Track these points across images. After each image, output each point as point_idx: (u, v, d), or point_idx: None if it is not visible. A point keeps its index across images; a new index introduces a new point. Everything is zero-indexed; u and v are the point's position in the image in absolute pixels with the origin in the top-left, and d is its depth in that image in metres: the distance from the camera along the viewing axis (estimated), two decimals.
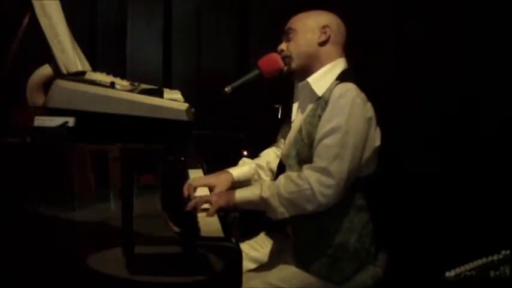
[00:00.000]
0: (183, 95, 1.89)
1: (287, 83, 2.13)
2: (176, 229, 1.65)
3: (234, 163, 2.21)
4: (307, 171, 1.83)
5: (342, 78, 1.93)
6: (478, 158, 2.93)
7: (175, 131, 1.73)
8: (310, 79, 1.97)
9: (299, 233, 1.94)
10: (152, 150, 1.73)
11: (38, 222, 1.61)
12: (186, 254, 1.63)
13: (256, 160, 2.22)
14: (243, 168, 2.17)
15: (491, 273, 1.43)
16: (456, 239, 2.84)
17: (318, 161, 1.84)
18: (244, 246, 2.07)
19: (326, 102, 1.88)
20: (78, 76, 1.80)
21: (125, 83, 1.84)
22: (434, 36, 2.99)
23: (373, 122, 1.92)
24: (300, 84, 2.01)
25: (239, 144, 2.86)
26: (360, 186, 1.93)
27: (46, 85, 1.75)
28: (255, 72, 2.03)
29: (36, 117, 1.64)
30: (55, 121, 1.63)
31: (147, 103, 1.70)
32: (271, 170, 2.18)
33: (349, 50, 2.03)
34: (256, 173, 2.18)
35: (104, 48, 3.24)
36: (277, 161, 2.16)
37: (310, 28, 1.98)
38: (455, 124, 2.99)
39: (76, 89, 1.69)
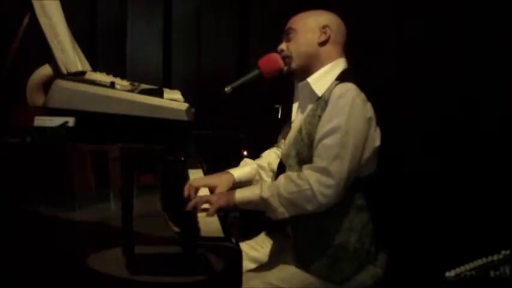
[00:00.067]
0: (183, 95, 1.89)
1: (287, 83, 2.13)
2: (176, 229, 1.65)
3: (234, 163, 2.21)
4: (307, 172, 1.83)
5: (342, 78, 1.92)
6: (478, 158, 2.93)
7: (175, 131, 1.73)
8: (310, 79, 1.97)
9: (299, 233, 1.94)
10: (152, 150, 1.72)
11: (38, 222, 1.61)
12: (186, 254, 1.63)
13: (258, 161, 2.22)
14: (244, 168, 2.17)
15: (491, 273, 1.43)
16: (456, 239, 2.84)
17: (317, 161, 1.84)
18: (244, 246, 2.07)
19: (326, 103, 1.88)
20: (78, 76, 1.80)
21: (125, 83, 1.84)
22: (434, 36, 2.99)
23: (373, 122, 1.92)
24: (300, 84, 2.01)
25: (239, 144, 2.86)
26: (360, 186, 1.93)
27: (46, 85, 1.75)
28: (255, 72, 2.03)
29: (36, 117, 1.64)
30: (55, 121, 1.63)
31: (147, 103, 1.70)
32: (272, 170, 2.18)
33: (349, 50, 2.03)
34: (257, 173, 2.18)
35: (104, 48, 3.24)
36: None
37: (310, 28, 1.98)
38: (455, 124, 2.99)
39: (76, 89, 1.69)
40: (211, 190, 2.07)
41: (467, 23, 2.94)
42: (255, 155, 2.28)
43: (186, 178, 2.22)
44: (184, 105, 1.75)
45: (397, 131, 2.67)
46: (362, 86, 1.89)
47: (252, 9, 3.24)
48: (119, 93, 1.71)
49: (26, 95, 1.77)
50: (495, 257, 1.45)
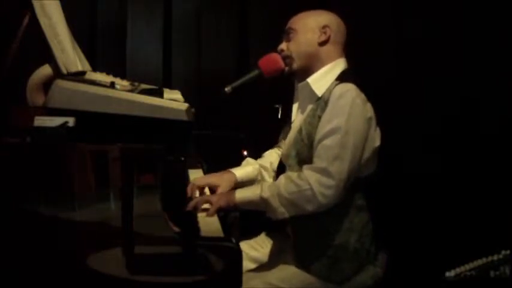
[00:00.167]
0: (183, 95, 1.89)
1: (287, 83, 2.13)
2: (176, 229, 1.65)
3: (234, 163, 2.21)
4: (307, 172, 1.83)
5: (341, 78, 1.92)
6: (478, 158, 2.93)
7: (175, 131, 1.73)
8: (310, 79, 1.97)
9: (299, 233, 1.94)
10: (152, 150, 1.72)
11: (38, 222, 1.61)
12: (186, 254, 1.63)
13: (260, 161, 2.22)
14: (246, 168, 2.17)
15: (491, 273, 1.43)
16: (456, 239, 2.84)
17: (318, 162, 1.84)
18: (244, 246, 2.07)
19: (326, 103, 1.88)
20: (78, 76, 1.80)
21: (125, 83, 1.84)
22: (434, 36, 2.99)
23: (373, 122, 1.92)
24: (300, 85, 2.01)
25: (239, 144, 2.86)
26: (360, 186, 1.93)
27: (46, 85, 1.74)
28: (255, 72, 2.03)
29: (36, 117, 1.64)
30: (55, 121, 1.63)
31: (147, 103, 1.70)
32: (274, 170, 2.17)
33: (349, 50, 2.03)
34: (259, 173, 2.18)
35: (104, 48, 3.24)
36: None
37: (310, 28, 1.98)
38: (455, 124, 2.99)
39: (76, 89, 1.69)
40: (213, 189, 2.07)
41: (467, 23, 2.94)
42: (255, 155, 2.28)
43: (186, 178, 2.23)
44: (184, 105, 1.75)
45: (397, 131, 2.67)
46: (362, 86, 1.89)
47: (252, 9, 3.24)
48: (119, 93, 1.71)
49: (26, 95, 1.77)
50: (495, 257, 1.45)
